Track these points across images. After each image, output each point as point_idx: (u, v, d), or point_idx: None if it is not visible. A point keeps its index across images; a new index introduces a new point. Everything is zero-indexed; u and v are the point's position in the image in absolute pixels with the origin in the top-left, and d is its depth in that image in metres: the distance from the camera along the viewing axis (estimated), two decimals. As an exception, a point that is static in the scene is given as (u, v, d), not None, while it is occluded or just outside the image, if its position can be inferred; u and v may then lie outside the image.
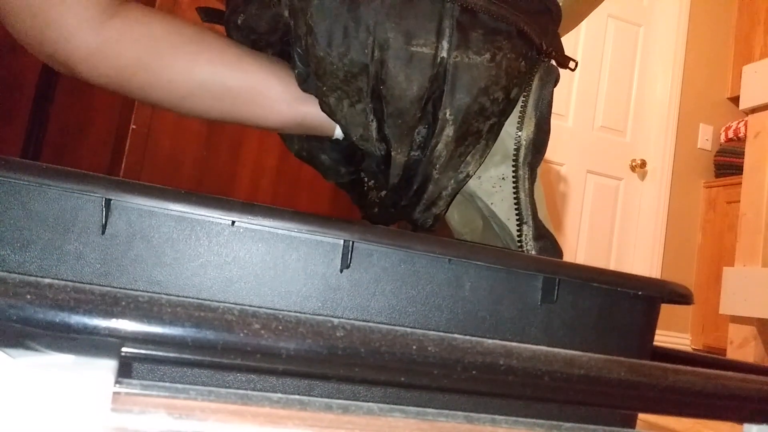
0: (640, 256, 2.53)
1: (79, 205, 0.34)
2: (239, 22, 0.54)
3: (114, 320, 0.21)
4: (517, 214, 0.55)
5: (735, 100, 2.56)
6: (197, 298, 0.24)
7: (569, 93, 2.51)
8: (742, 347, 1.99)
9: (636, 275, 0.45)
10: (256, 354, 0.23)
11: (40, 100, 1.28)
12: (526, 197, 0.55)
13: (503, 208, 0.55)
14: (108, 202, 0.34)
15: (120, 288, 0.23)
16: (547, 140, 0.56)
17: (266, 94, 0.53)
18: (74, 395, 0.19)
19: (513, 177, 0.55)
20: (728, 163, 2.56)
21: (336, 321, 0.25)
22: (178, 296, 0.23)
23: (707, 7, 2.70)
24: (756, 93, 2.00)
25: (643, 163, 2.58)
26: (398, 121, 0.51)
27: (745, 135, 2.17)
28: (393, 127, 0.51)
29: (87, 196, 0.34)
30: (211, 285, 0.37)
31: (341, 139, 0.57)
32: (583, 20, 0.74)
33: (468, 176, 0.55)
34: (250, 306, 0.24)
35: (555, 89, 0.56)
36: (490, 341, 0.27)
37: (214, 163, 1.34)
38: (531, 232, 0.54)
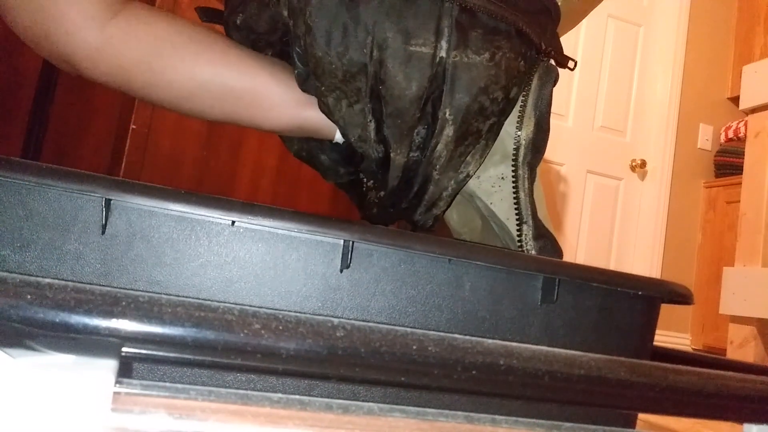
0: (640, 256, 2.53)
1: (79, 205, 0.34)
2: (238, 22, 0.54)
3: (114, 320, 0.21)
4: (516, 214, 0.55)
5: (735, 100, 2.56)
6: (197, 298, 0.24)
7: (569, 93, 2.51)
8: (742, 347, 1.99)
9: (636, 275, 0.45)
10: (256, 354, 0.23)
11: (40, 100, 1.28)
12: (526, 197, 0.55)
13: (503, 207, 0.55)
14: (108, 202, 0.34)
15: (120, 288, 0.23)
16: (547, 140, 0.56)
17: (267, 96, 0.53)
18: (74, 395, 0.19)
19: (512, 176, 0.55)
20: (728, 163, 2.56)
21: (336, 321, 0.25)
22: (178, 296, 0.23)
23: (707, 7, 2.70)
24: (756, 93, 2.00)
25: (643, 163, 2.58)
26: (397, 121, 0.51)
27: (745, 135, 2.17)
28: (392, 128, 0.51)
29: (87, 196, 0.34)
30: (211, 285, 0.37)
31: (341, 142, 0.57)
32: (582, 20, 0.74)
33: (468, 176, 0.55)
34: (250, 306, 0.24)
35: (555, 89, 0.56)
36: (490, 341, 0.27)
37: (214, 163, 1.34)
38: (531, 232, 0.54)
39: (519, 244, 0.54)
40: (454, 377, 0.26)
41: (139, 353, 0.22)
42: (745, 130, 2.21)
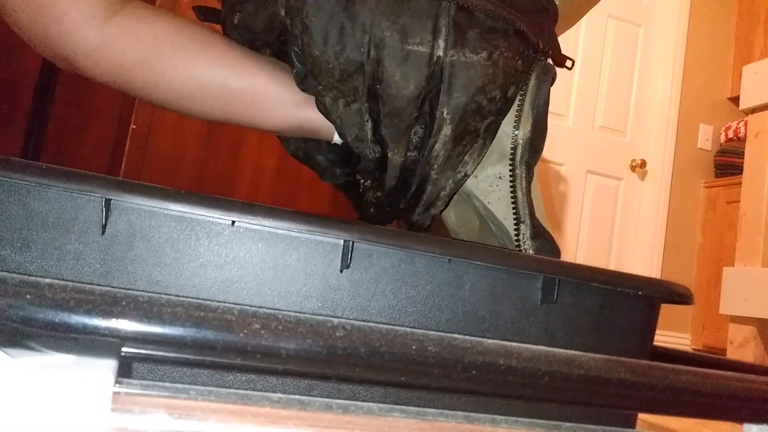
0: (640, 256, 2.53)
1: (79, 205, 0.34)
2: (235, 21, 0.54)
3: (114, 320, 0.21)
4: (514, 213, 0.55)
5: (735, 100, 2.56)
6: (197, 298, 0.24)
7: (569, 93, 2.50)
8: (742, 347, 1.99)
9: (636, 275, 0.45)
10: (256, 354, 0.23)
11: (40, 100, 1.28)
12: (523, 196, 0.55)
13: (500, 207, 0.55)
14: (108, 202, 0.34)
15: (120, 288, 0.23)
16: (544, 139, 0.56)
17: (267, 97, 0.53)
18: (74, 395, 0.19)
19: (510, 176, 0.55)
20: (728, 163, 2.56)
21: (336, 321, 0.25)
22: (178, 296, 0.23)
23: (707, 7, 2.70)
24: (756, 93, 2.00)
25: (643, 163, 2.58)
26: (395, 120, 0.51)
27: (745, 135, 2.17)
28: (389, 127, 0.51)
29: (87, 196, 0.34)
30: (211, 285, 0.37)
31: (340, 143, 0.57)
32: (580, 19, 0.74)
33: (466, 176, 0.55)
34: (250, 306, 0.24)
35: (554, 89, 0.56)
36: (490, 341, 0.27)
37: (214, 163, 1.34)
38: (528, 231, 0.54)
39: (516, 243, 0.54)
40: (454, 377, 0.26)
41: (139, 353, 0.22)
42: (745, 130, 2.21)
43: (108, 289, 0.22)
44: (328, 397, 0.37)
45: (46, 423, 0.19)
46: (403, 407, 0.31)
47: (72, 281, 0.22)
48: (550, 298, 0.42)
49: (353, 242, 0.38)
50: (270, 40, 0.55)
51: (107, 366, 0.21)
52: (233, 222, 0.37)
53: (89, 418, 0.19)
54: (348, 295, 0.39)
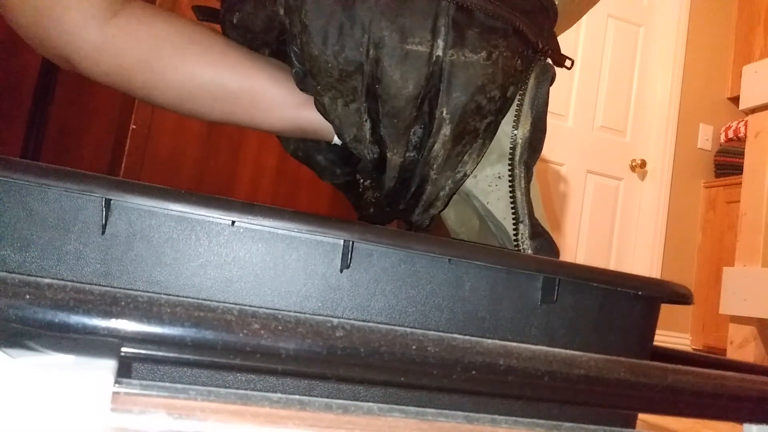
0: (640, 256, 2.53)
1: (79, 205, 0.34)
2: (234, 21, 0.54)
3: (113, 320, 0.21)
4: (513, 213, 0.55)
5: (735, 100, 2.56)
6: (197, 298, 0.24)
7: (569, 93, 2.50)
8: (742, 347, 1.99)
9: (636, 275, 0.45)
10: (256, 354, 0.23)
11: (40, 100, 1.28)
12: (522, 196, 0.55)
13: (499, 207, 0.55)
14: (108, 202, 0.34)
15: (120, 288, 0.23)
16: (543, 139, 0.56)
17: (267, 97, 0.53)
18: (74, 395, 0.19)
19: (509, 176, 0.55)
20: (728, 163, 2.56)
21: (336, 321, 0.25)
22: (178, 296, 0.23)
23: (707, 7, 2.70)
24: (756, 93, 2.00)
25: (643, 163, 2.58)
26: (394, 120, 0.51)
27: (745, 135, 2.17)
28: (388, 127, 0.51)
29: (87, 196, 0.34)
30: (211, 285, 0.37)
31: (339, 144, 0.57)
32: (580, 19, 0.73)
33: (465, 176, 0.55)
34: (250, 306, 0.24)
35: (554, 89, 0.56)
36: (490, 341, 0.27)
37: (214, 163, 1.34)
38: (527, 231, 0.54)
39: (515, 243, 0.54)
40: (454, 377, 0.26)
41: (139, 353, 0.22)
42: (745, 130, 2.21)
43: (107, 289, 0.22)
44: (328, 397, 0.37)
45: (46, 423, 0.19)
46: (403, 407, 0.31)
47: (72, 281, 0.22)
48: (550, 298, 0.42)
49: (353, 242, 0.38)
50: (269, 40, 0.55)
51: (107, 366, 0.21)
52: (233, 222, 0.37)
53: (89, 418, 0.19)
54: (348, 295, 0.39)
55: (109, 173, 1.21)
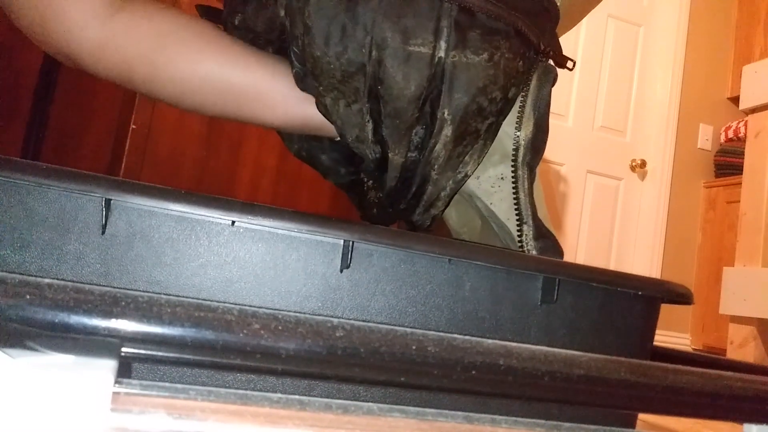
0: (640, 256, 2.53)
1: (79, 205, 0.34)
2: (236, 22, 0.54)
3: (114, 320, 0.21)
4: (516, 214, 0.55)
5: (735, 100, 2.56)
6: (197, 298, 0.24)
7: (569, 93, 2.51)
8: (742, 347, 1.99)
9: (636, 275, 0.45)
10: (256, 354, 0.23)
11: (40, 100, 1.28)
12: (526, 197, 0.55)
13: (503, 208, 0.55)
14: (108, 202, 0.34)
15: (120, 288, 0.23)
16: (546, 140, 0.56)
17: (271, 92, 0.53)
18: (74, 395, 0.19)
19: (512, 177, 0.55)
20: (728, 163, 2.56)
21: (336, 321, 0.25)
22: (178, 296, 0.23)
23: (707, 7, 2.70)
24: (756, 93, 2.00)
25: (643, 163, 2.58)
26: (396, 121, 0.51)
27: (745, 135, 2.17)
28: (390, 128, 0.51)
29: (87, 196, 0.34)
30: (211, 285, 0.37)
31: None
32: (581, 20, 0.73)
33: (466, 176, 0.55)
34: (250, 306, 0.24)
35: (554, 89, 0.56)
36: (490, 341, 0.27)
37: (214, 163, 1.34)
38: (531, 232, 0.54)
39: (519, 244, 0.54)
40: (454, 377, 0.26)
41: (139, 353, 0.22)
42: (745, 130, 2.21)
43: (108, 289, 0.22)
44: (328, 397, 0.37)
45: (46, 423, 0.19)
46: (403, 407, 0.31)
47: (72, 281, 0.22)
48: (550, 298, 0.42)
49: (353, 242, 0.38)
50: (272, 39, 0.55)
51: (107, 366, 0.21)
52: (233, 222, 0.37)
53: (89, 418, 0.19)
54: (348, 295, 0.39)
55: (109, 173, 1.21)
